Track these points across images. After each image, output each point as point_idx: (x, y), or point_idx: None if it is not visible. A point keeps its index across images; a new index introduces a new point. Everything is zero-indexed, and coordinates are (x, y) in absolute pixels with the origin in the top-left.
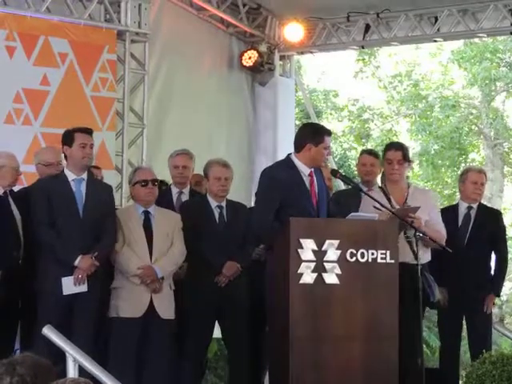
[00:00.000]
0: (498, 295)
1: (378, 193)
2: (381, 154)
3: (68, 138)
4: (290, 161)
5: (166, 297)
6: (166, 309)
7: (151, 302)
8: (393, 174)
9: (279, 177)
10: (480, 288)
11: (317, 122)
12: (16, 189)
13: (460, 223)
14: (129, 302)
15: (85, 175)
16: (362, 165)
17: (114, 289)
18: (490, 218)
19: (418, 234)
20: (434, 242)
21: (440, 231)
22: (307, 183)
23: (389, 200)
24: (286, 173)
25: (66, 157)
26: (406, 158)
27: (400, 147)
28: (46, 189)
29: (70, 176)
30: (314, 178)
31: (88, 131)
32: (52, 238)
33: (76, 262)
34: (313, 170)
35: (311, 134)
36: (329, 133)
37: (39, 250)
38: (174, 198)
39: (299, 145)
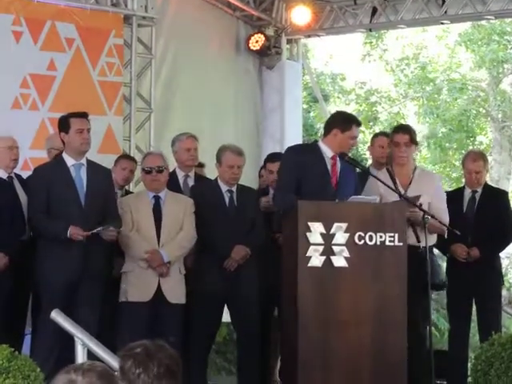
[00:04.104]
0: (483, 257)
1: (384, 174)
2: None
3: (64, 124)
4: (315, 144)
5: (175, 281)
6: (175, 293)
7: (159, 286)
8: (400, 157)
9: (298, 154)
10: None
11: (324, 105)
12: (25, 175)
13: (465, 207)
14: (137, 287)
15: (84, 160)
16: (379, 147)
17: (124, 273)
18: (495, 198)
19: (426, 217)
20: (443, 225)
21: (442, 219)
22: (329, 165)
23: (394, 182)
24: (307, 152)
25: (63, 143)
26: (413, 141)
27: (408, 130)
28: (46, 176)
29: (69, 161)
30: (337, 161)
31: (83, 115)
32: (42, 222)
33: (68, 233)
34: (338, 158)
35: (340, 121)
36: (358, 123)
37: (38, 238)
38: (181, 182)
39: (327, 129)
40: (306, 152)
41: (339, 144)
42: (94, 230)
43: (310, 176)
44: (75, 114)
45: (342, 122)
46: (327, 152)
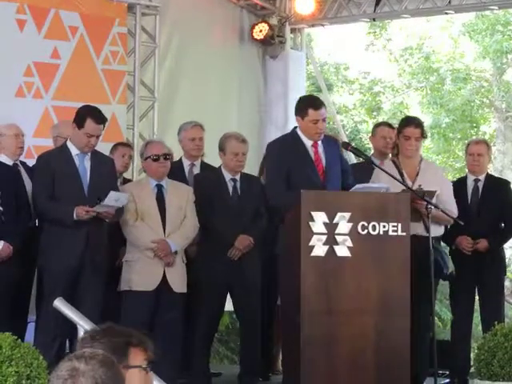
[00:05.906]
0: (491, 249)
1: (389, 166)
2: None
3: (80, 120)
4: (295, 133)
5: (178, 270)
6: (179, 282)
7: (164, 275)
8: (409, 150)
9: (283, 147)
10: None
11: (328, 95)
12: (28, 163)
13: (469, 197)
14: (142, 276)
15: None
16: (382, 137)
17: (126, 262)
18: (498, 188)
19: (429, 207)
20: (448, 216)
21: (451, 210)
22: (311, 153)
23: (401, 174)
24: (290, 143)
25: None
26: (423, 135)
27: (419, 124)
28: (51, 163)
29: (74, 150)
30: (319, 149)
31: (102, 121)
32: (48, 208)
33: (74, 216)
34: (320, 141)
35: (297, 108)
36: (315, 106)
37: (42, 225)
38: (186, 171)
39: (296, 118)
40: (288, 145)
41: (304, 131)
42: (100, 203)
43: (295, 168)
44: (94, 116)
45: (298, 108)
46: (306, 141)
